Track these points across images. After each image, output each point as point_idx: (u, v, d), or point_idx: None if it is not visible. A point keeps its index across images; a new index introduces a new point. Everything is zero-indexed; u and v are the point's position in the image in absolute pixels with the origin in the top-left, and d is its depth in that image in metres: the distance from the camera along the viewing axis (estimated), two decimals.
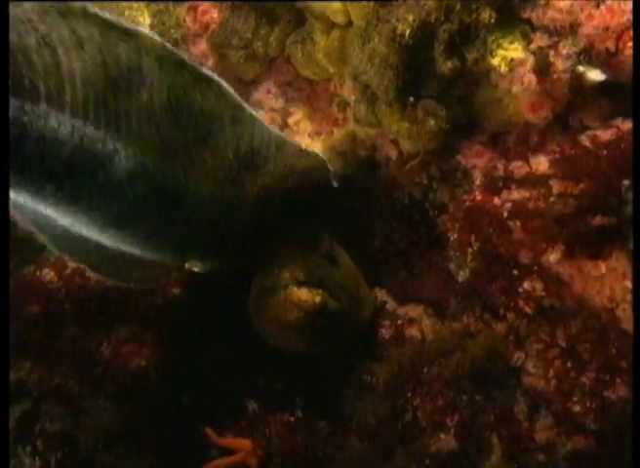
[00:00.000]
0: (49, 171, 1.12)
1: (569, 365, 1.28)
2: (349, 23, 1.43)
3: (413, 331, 1.51)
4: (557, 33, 1.27)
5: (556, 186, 1.28)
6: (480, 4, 1.29)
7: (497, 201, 1.34)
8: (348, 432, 1.40)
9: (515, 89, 1.30)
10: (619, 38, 1.24)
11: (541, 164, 1.32)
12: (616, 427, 1.23)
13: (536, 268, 1.31)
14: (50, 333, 1.49)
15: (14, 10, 1.02)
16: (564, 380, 1.28)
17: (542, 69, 1.27)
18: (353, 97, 1.45)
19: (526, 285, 1.32)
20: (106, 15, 1.06)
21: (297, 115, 1.64)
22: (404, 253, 1.51)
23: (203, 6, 1.66)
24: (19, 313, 1.48)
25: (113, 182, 1.19)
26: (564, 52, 1.26)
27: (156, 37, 1.12)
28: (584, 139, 1.28)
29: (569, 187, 1.26)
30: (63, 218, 1.23)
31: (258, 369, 1.54)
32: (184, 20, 1.63)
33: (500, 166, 1.37)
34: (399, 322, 1.53)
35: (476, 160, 1.40)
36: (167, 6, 1.60)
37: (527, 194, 1.31)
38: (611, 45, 1.24)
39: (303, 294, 1.38)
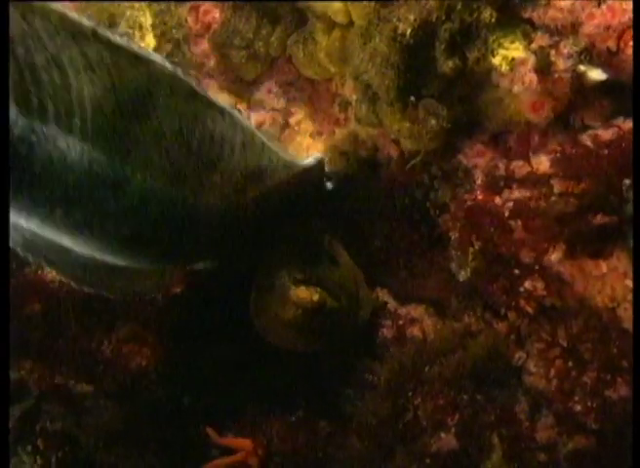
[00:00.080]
0: (58, 194, 1.11)
1: (570, 364, 1.28)
2: (350, 23, 1.43)
3: (414, 331, 1.50)
4: (558, 32, 1.27)
5: (557, 186, 1.28)
6: (481, 3, 1.29)
7: (498, 200, 1.34)
8: (349, 431, 1.40)
9: (516, 88, 1.30)
10: (620, 37, 1.23)
11: (543, 163, 1.32)
12: (617, 427, 1.23)
13: (537, 267, 1.31)
14: (51, 333, 1.49)
15: (22, 25, 0.99)
16: (565, 380, 1.28)
17: (544, 69, 1.27)
18: (354, 97, 1.45)
19: (527, 284, 1.32)
20: (117, 38, 1.03)
21: (298, 115, 1.64)
22: (405, 253, 1.51)
23: (205, 6, 1.66)
24: (20, 312, 1.48)
25: (125, 207, 1.17)
26: (565, 51, 1.26)
27: (167, 64, 1.09)
28: (586, 139, 1.28)
29: (570, 187, 1.26)
30: (71, 242, 1.21)
31: (258, 368, 1.53)
32: (186, 20, 1.63)
33: (502, 165, 1.37)
34: (400, 322, 1.53)
35: (477, 159, 1.40)
36: (168, 6, 1.60)
37: (528, 193, 1.31)
38: (612, 44, 1.24)
39: (301, 293, 1.40)
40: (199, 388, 1.54)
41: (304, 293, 1.40)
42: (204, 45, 1.68)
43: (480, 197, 1.36)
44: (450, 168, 1.44)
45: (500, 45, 1.31)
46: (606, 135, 1.27)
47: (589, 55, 1.25)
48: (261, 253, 1.49)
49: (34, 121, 1.04)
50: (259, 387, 1.53)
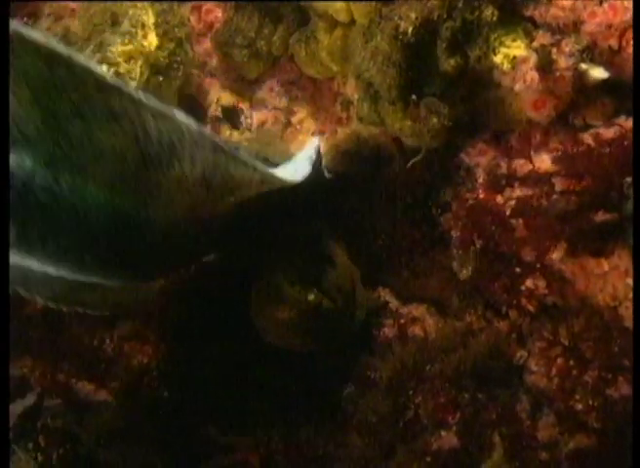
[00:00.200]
0: (85, 242, 1.13)
1: (571, 363, 1.28)
2: (352, 22, 1.43)
3: (416, 330, 1.50)
4: (560, 31, 1.27)
5: (559, 184, 1.28)
6: (483, 2, 1.29)
7: (499, 199, 1.34)
8: (350, 429, 1.39)
9: (518, 87, 1.30)
10: (621, 36, 1.24)
11: (544, 162, 1.32)
12: (618, 425, 1.23)
13: (538, 266, 1.31)
14: (52, 330, 1.50)
15: (46, 73, 0.98)
16: (566, 378, 1.28)
17: (545, 67, 1.27)
18: (356, 96, 1.45)
19: (528, 283, 1.32)
20: (141, 94, 1.04)
21: (300, 114, 1.64)
22: (406, 252, 1.51)
23: (207, 5, 1.67)
24: (21, 309, 1.48)
25: (148, 247, 1.20)
26: (567, 49, 1.26)
27: (191, 121, 1.08)
28: (587, 137, 1.28)
29: (571, 185, 1.26)
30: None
31: (259, 367, 1.53)
32: (189, 20, 1.63)
33: (503, 164, 1.37)
34: (402, 321, 1.52)
35: (479, 158, 1.40)
36: (171, 5, 1.60)
37: (530, 192, 1.31)
38: (614, 43, 1.24)
39: (297, 293, 1.40)
40: (200, 387, 1.54)
41: (300, 294, 1.41)
42: (206, 44, 1.68)
43: (482, 196, 1.36)
44: (451, 166, 1.44)
45: (501, 43, 1.31)
46: (607, 133, 1.27)
47: (591, 53, 1.25)
48: (258, 255, 1.50)
49: (60, 174, 1.06)
50: (259, 385, 1.53)
